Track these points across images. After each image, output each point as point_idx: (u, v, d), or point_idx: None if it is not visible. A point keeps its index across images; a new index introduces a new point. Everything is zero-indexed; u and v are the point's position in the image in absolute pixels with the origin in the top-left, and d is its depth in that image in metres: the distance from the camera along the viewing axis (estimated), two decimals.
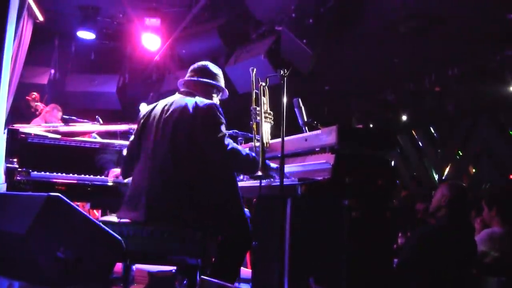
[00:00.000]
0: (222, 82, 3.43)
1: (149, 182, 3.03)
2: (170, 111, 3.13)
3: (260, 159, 3.01)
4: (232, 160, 3.06)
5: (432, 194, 4.22)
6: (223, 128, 3.06)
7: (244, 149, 3.17)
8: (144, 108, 3.39)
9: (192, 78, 3.35)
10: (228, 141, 3.04)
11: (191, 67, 3.43)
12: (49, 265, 2.48)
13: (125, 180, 3.77)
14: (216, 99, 3.40)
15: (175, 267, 3.83)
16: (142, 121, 3.27)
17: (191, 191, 2.99)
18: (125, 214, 3.06)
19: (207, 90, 3.33)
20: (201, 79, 3.32)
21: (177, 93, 3.33)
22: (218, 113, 3.09)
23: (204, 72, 3.37)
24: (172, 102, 3.19)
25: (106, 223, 2.89)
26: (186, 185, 3.00)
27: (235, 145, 3.08)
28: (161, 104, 3.26)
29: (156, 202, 2.98)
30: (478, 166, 10.11)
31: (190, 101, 3.13)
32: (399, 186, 9.38)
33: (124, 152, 3.57)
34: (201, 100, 3.14)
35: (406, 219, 7.07)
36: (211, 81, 3.33)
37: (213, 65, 3.45)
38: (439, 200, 3.92)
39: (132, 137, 3.41)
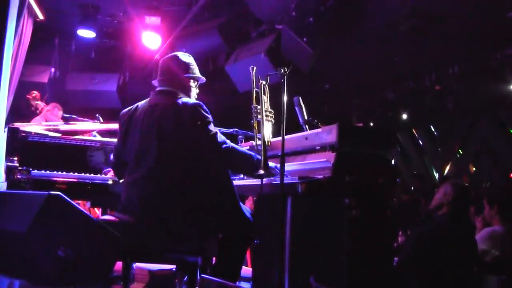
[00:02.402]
0: (196, 70, 3.33)
1: (139, 191, 3.01)
2: (153, 115, 3.06)
3: (262, 158, 3.00)
4: (228, 159, 3.04)
5: (435, 191, 4.22)
6: (211, 126, 3.03)
7: (240, 147, 3.16)
8: (123, 112, 3.31)
9: (164, 77, 3.26)
10: (221, 138, 3.01)
11: (161, 62, 3.34)
12: (49, 263, 2.48)
13: (121, 181, 3.78)
14: (195, 89, 3.33)
15: (175, 266, 3.84)
16: (124, 126, 3.21)
17: (184, 192, 2.97)
18: (123, 217, 3.06)
19: (184, 83, 3.27)
20: (173, 76, 3.24)
21: (155, 92, 3.25)
22: (204, 112, 3.04)
23: (173, 66, 3.27)
24: (154, 105, 3.13)
25: (106, 221, 2.89)
26: (177, 187, 2.97)
27: (230, 143, 3.04)
28: (141, 106, 3.19)
29: (150, 210, 2.96)
30: (478, 164, 10.11)
31: (173, 102, 3.07)
32: (400, 187, 9.38)
33: (111, 157, 3.56)
34: (183, 101, 3.08)
35: (406, 217, 7.07)
36: (184, 75, 3.26)
37: (183, 54, 3.36)
38: (441, 198, 3.92)
39: (116, 142, 3.39)
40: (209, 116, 3.06)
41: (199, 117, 3.02)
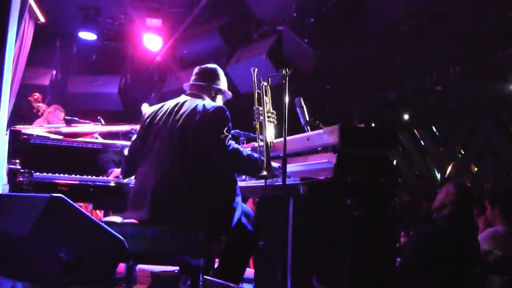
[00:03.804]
0: (225, 84, 3.49)
1: (155, 181, 3.04)
2: (180, 113, 3.14)
3: (265, 159, 3.01)
4: (233, 161, 3.07)
5: (437, 192, 4.22)
6: (226, 130, 3.08)
7: (245, 150, 3.18)
8: (147, 108, 3.39)
9: (198, 83, 3.39)
10: (230, 142, 3.05)
11: (196, 70, 3.48)
12: (51, 266, 2.48)
13: (125, 180, 3.79)
14: (220, 101, 3.43)
15: (177, 267, 3.84)
16: (147, 121, 3.26)
17: (197, 191, 3.00)
18: (130, 215, 3.07)
19: (212, 93, 3.39)
20: (206, 84, 3.38)
21: (184, 95, 3.36)
22: (225, 116, 3.12)
23: (209, 75, 3.42)
24: (183, 103, 3.21)
25: (108, 223, 2.89)
26: (192, 185, 3.01)
27: (236, 146, 3.09)
28: (168, 105, 3.26)
29: (161, 199, 2.99)
30: (480, 164, 10.10)
31: (200, 103, 3.16)
32: (402, 188, 9.37)
33: (126, 151, 3.58)
34: (209, 103, 3.18)
35: (408, 217, 7.06)
36: (215, 86, 3.39)
37: (217, 67, 3.50)
38: (444, 198, 3.91)
39: (134, 137, 3.42)
40: (228, 121, 3.13)
41: (218, 120, 3.10)
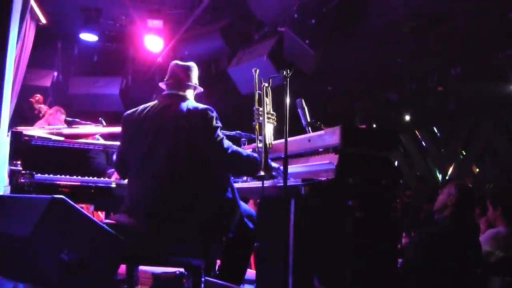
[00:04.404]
0: (197, 78, 3.45)
1: (145, 191, 3.03)
2: (165, 117, 3.11)
3: (263, 159, 3.01)
4: (234, 163, 3.07)
5: (438, 193, 4.21)
6: (219, 131, 3.08)
7: (244, 150, 3.18)
8: (127, 113, 3.34)
9: (182, 82, 3.34)
10: (227, 144, 3.05)
11: (176, 67, 3.41)
12: (53, 267, 2.48)
13: (125, 181, 3.79)
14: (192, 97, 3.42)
15: (179, 269, 3.84)
16: (130, 127, 3.24)
17: (191, 195, 2.99)
18: (127, 217, 3.06)
19: (192, 90, 3.38)
20: (188, 83, 3.35)
21: (164, 95, 3.32)
22: (214, 117, 3.10)
23: (189, 73, 3.39)
24: (164, 106, 3.18)
25: (110, 225, 2.89)
26: (185, 189, 3.00)
27: (235, 147, 3.09)
28: (148, 109, 3.22)
29: (156, 210, 2.98)
30: (481, 165, 10.09)
31: (184, 105, 3.13)
32: (403, 189, 9.36)
33: (114, 156, 3.58)
34: (194, 105, 3.15)
35: (410, 219, 7.06)
36: (191, 84, 3.36)
37: (192, 63, 3.47)
38: (445, 199, 3.91)
39: (120, 143, 3.41)
40: (218, 121, 3.12)
41: (209, 122, 3.07)
